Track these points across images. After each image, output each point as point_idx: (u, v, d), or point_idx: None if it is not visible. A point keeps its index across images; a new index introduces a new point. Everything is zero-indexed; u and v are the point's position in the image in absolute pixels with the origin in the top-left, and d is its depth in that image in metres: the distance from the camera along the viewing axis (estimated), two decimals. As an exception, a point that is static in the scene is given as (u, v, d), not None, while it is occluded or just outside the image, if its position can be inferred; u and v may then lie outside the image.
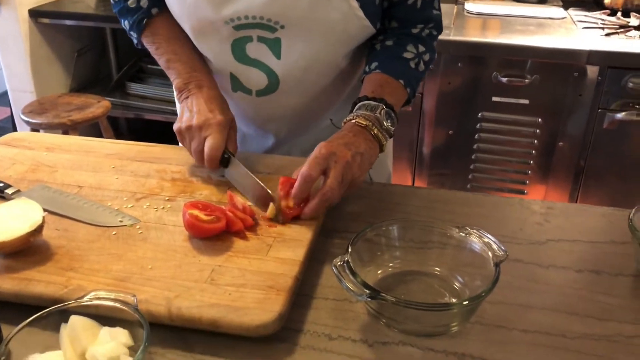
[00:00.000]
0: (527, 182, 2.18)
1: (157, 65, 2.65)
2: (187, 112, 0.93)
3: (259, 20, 0.92)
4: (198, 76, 0.97)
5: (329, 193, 0.81)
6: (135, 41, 1.04)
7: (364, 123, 0.89)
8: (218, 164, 0.91)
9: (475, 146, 2.16)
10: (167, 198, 0.88)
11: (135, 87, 2.52)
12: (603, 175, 2.10)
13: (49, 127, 2.14)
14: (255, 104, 1.04)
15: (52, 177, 0.93)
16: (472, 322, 0.69)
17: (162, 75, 2.49)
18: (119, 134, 2.82)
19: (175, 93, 1.02)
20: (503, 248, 0.70)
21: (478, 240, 0.72)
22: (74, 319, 0.60)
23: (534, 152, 2.12)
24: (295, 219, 0.83)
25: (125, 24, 1.03)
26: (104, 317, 0.62)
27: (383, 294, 0.63)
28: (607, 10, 2.32)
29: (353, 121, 0.90)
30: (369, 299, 0.64)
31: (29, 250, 0.74)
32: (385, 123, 0.90)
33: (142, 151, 1.02)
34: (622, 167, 2.07)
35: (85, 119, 2.16)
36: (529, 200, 0.96)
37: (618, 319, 0.70)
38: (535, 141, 2.10)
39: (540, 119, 2.06)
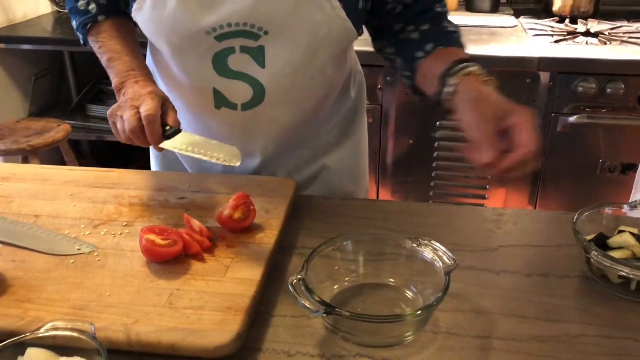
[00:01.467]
0: (488, 187, 2.23)
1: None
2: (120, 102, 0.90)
3: (242, 28, 0.91)
4: (135, 74, 0.93)
5: (525, 146, 0.73)
6: (81, 41, 1.04)
7: (477, 70, 0.84)
8: (159, 131, 0.85)
9: (435, 154, 2.20)
10: (124, 223, 0.88)
11: (95, 109, 2.50)
12: (560, 178, 2.16)
13: (8, 154, 2.11)
14: (241, 120, 1.01)
15: (7, 207, 0.93)
16: (426, 330, 0.71)
17: (122, 96, 2.47)
18: (80, 157, 2.79)
19: (116, 94, 0.95)
20: (452, 257, 0.72)
21: (429, 250, 0.75)
22: (31, 351, 0.60)
23: (492, 157, 2.17)
24: (248, 233, 0.84)
25: (73, 23, 1.04)
26: (62, 347, 0.62)
27: (338, 309, 0.65)
28: (556, 18, 2.40)
29: (465, 70, 0.84)
30: (325, 315, 0.66)
31: (-16, 283, 0.74)
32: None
33: (100, 177, 1.02)
34: (577, 169, 2.13)
35: (45, 143, 2.14)
36: (481, 207, 1.00)
37: (565, 320, 0.73)
38: (493, 147, 2.15)
39: (496, 125, 2.11)
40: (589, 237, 0.80)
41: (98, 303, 0.71)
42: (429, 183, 2.27)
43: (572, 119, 2.04)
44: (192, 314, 0.69)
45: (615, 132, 2.06)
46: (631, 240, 0.78)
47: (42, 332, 0.62)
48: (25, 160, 2.16)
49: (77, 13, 1.01)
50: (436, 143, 2.18)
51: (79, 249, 0.82)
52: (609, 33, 2.20)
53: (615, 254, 0.77)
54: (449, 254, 0.73)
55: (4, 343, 0.60)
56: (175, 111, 0.90)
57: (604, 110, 2.03)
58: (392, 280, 0.77)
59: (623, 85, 1.97)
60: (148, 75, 0.95)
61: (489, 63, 2.00)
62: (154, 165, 1.21)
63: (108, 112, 0.89)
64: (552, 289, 0.79)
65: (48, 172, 1.05)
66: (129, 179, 1.02)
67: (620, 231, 0.81)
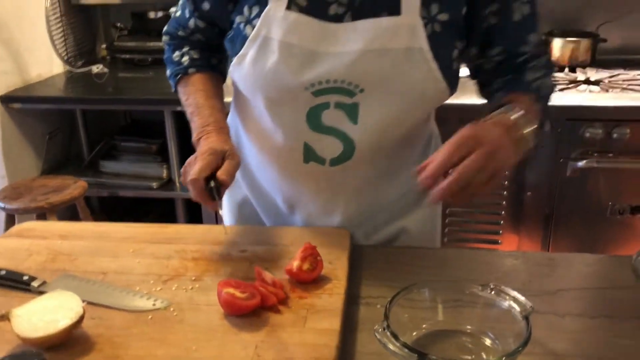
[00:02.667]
0: (500, 232, 2.27)
1: (131, 142, 2.64)
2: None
3: (340, 85, 0.93)
4: (209, 129, 0.97)
5: (464, 173, 0.77)
6: (172, 88, 1.10)
7: (513, 119, 0.86)
8: (203, 190, 0.89)
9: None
10: (193, 278, 0.90)
11: (108, 165, 2.52)
12: (571, 221, 2.21)
13: (26, 212, 2.11)
14: (328, 175, 1.02)
15: (73, 265, 0.94)
16: (508, 374, 0.73)
17: (136, 151, 2.51)
18: (92, 213, 2.79)
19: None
20: (528, 302, 0.75)
21: (502, 296, 0.77)
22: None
23: (504, 202, 2.22)
24: (316, 284, 0.87)
25: (167, 71, 1.10)
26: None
27: (431, 355, 0.67)
28: (556, 67, 2.51)
29: (498, 116, 0.87)
30: (416, 361, 0.68)
31: (69, 342, 0.75)
32: (525, 127, 0.87)
33: (157, 232, 1.04)
34: (587, 212, 2.18)
35: (63, 200, 2.15)
36: (533, 252, 1.03)
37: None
38: (505, 192, 2.20)
39: (507, 172, 2.17)
40: (648, 279, 0.84)
41: (186, 358, 0.73)
42: (442, 230, 2.30)
43: (580, 163, 2.10)
44: (284, 366, 0.71)
45: (623, 176, 2.13)
46: (691, 280, 0.82)
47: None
48: (42, 218, 2.17)
49: (172, 63, 1.09)
50: (449, 190, 2.23)
51: (154, 304, 0.83)
52: (609, 81, 2.29)
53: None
54: (523, 298, 0.76)
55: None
56: (234, 164, 0.93)
57: (610, 155, 2.09)
58: (469, 327, 0.79)
59: (629, 131, 2.05)
60: (221, 130, 0.98)
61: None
62: (227, 218, 1.22)
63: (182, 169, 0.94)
64: (620, 330, 0.81)
65: (104, 229, 1.07)
66: (185, 233, 1.04)
67: (678, 272, 0.85)
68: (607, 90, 2.19)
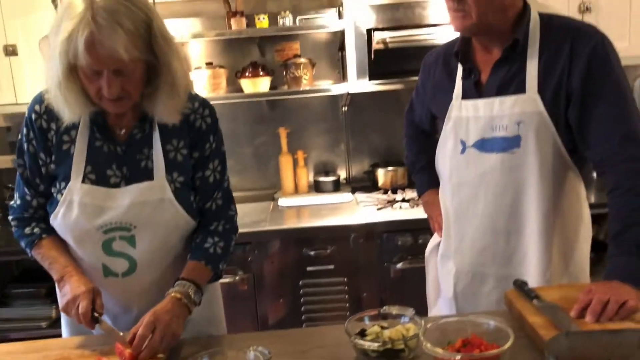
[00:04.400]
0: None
1: (22, 289, 2.92)
2: (64, 295, 1.39)
3: (120, 225, 1.44)
4: (69, 270, 1.43)
5: (155, 345, 1.29)
6: (28, 254, 1.53)
7: (178, 296, 1.40)
8: (91, 321, 1.35)
9: (302, 308, 2.69)
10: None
11: (1, 312, 2.78)
12: (401, 313, 2.69)
13: None
14: (122, 284, 1.49)
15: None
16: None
17: (26, 296, 2.80)
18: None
19: (56, 285, 1.47)
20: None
21: None
22: None
23: (347, 304, 2.69)
24: None
25: (22, 243, 1.52)
26: None
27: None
28: (381, 190, 3.12)
29: (171, 294, 1.40)
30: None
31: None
32: (193, 296, 1.42)
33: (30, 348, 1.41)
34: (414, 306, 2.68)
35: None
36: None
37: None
38: (346, 296, 2.68)
39: (345, 278, 2.67)
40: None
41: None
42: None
43: (399, 265, 2.64)
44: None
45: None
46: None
47: None
48: None
49: (25, 237, 1.52)
50: (302, 299, 2.68)
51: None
52: (418, 199, 2.91)
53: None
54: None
55: None
56: (101, 297, 1.40)
57: (420, 257, 2.63)
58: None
59: (430, 237, 2.60)
60: (77, 270, 1.44)
61: (331, 231, 2.61)
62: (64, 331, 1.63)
63: (61, 307, 1.41)
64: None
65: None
66: (52, 344, 1.41)
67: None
68: (413, 207, 2.80)
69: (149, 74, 1.37)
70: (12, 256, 2.85)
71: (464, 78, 1.66)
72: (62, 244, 1.51)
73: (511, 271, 1.62)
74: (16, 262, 3.20)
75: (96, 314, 1.36)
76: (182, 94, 1.42)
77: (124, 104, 1.37)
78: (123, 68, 1.29)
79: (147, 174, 1.46)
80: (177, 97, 1.40)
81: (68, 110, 1.37)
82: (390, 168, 3.15)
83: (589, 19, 2.87)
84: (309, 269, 2.67)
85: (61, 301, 1.42)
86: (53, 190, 1.48)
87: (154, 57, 1.33)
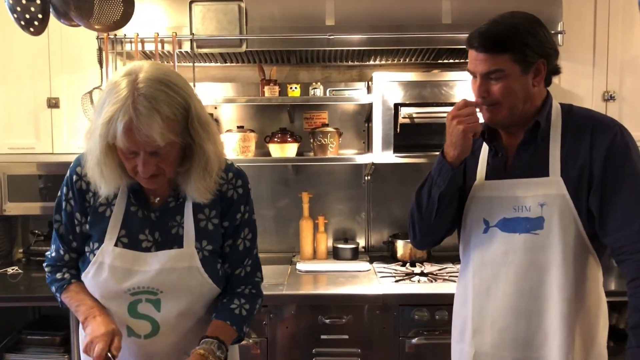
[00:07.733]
0: (360, 403, 2.66)
1: (36, 335, 2.95)
2: (87, 336, 1.42)
3: (147, 289, 1.48)
4: (94, 312, 1.47)
5: None
6: (58, 299, 1.58)
7: (203, 352, 1.41)
8: None
9: (314, 377, 2.66)
10: None
11: (14, 358, 2.79)
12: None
13: None
14: (144, 345, 1.52)
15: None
16: None
17: (40, 343, 2.81)
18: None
19: (80, 326, 1.52)
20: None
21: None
22: None
23: (360, 377, 2.65)
24: None
25: (52, 288, 1.57)
26: None
27: None
28: (400, 262, 3.13)
29: (196, 351, 1.41)
30: None
31: None
32: (217, 352, 1.43)
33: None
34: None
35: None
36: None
37: None
38: (359, 368, 2.65)
39: (359, 349, 2.64)
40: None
41: None
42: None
43: (414, 340, 2.61)
44: None
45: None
46: None
47: None
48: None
49: (56, 281, 1.58)
50: (313, 367, 2.65)
51: None
52: (436, 273, 2.91)
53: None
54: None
55: None
56: (120, 339, 1.43)
57: (437, 333, 2.62)
58: None
59: (447, 313, 2.60)
60: (103, 312, 1.48)
61: (348, 300, 2.61)
62: None
63: (82, 348, 1.43)
64: None
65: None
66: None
67: None
68: (432, 281, 2.79)
69: (184, 152, 1.44)
70: (31, 302, 2.88)
71: (490, 157, 1.71)
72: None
73: (532, 354, 1.61)
74: (35, 309, 3.23)
75: (109, 355, 1.39)
76: (214, 175, 1.48)
77: (158, 181, 1.44)
78: (158, 150, 1.35)
79: (177, 241, 1.51)
80: (208, 178, 1.46)
81: (104, 185, 1.44)
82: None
83: (612, 107, 2.94)
84: (323, 337, 2.64)
85: (83, 342, 1.46)
86: (86, 249, 1.54)
87: (190, 139, 1.40)
